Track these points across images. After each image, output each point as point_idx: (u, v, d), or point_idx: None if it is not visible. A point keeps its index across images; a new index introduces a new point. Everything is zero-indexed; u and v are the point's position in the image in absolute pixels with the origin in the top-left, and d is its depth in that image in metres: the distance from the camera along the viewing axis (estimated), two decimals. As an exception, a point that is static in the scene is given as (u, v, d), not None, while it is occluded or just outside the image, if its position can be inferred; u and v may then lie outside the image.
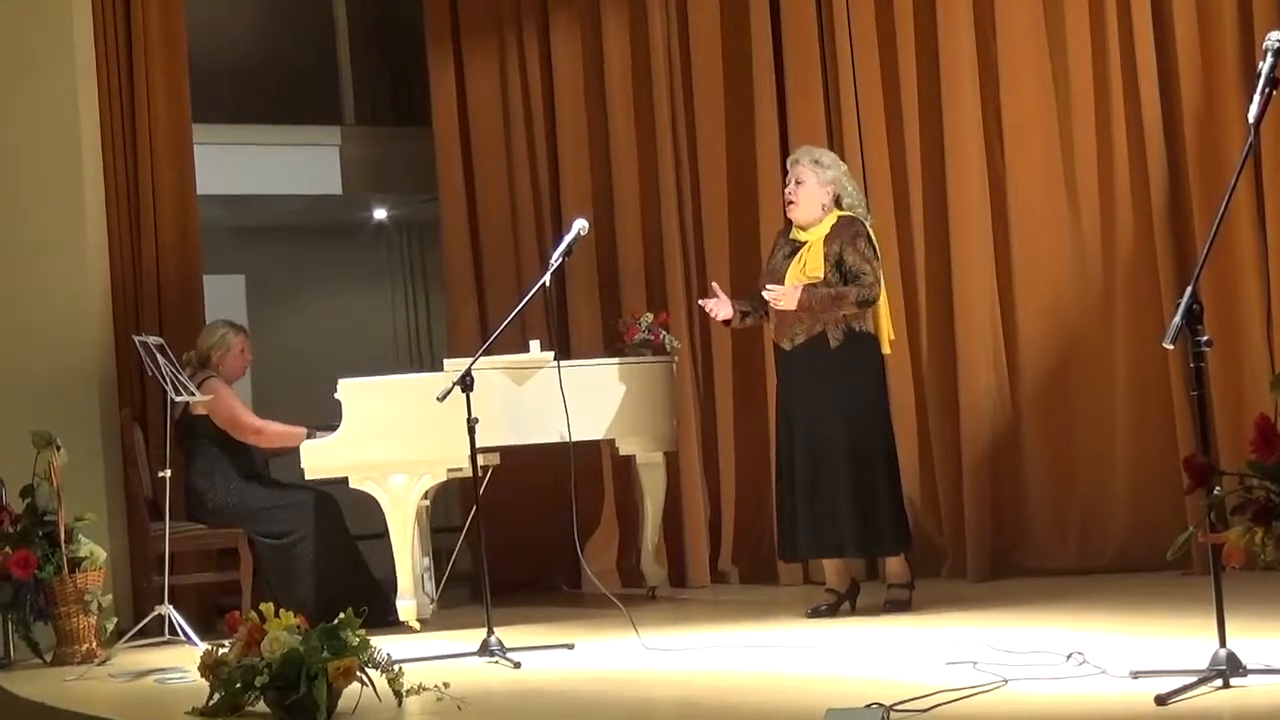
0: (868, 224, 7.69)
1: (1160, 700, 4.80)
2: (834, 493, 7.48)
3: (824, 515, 7.50)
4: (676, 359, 8.94)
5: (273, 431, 8.44)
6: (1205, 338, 5.09)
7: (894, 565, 7.73)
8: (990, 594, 8.00)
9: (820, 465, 7.50)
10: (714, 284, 8.06)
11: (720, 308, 7.79)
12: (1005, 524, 8.69)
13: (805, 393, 7.56)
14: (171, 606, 7.58)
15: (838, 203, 7.65)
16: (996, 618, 7.07)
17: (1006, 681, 5.35)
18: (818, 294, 7.48)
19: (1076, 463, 8.59)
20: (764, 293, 7.55)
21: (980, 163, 8.73)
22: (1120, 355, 8.46)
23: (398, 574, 8.02)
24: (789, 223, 7.80)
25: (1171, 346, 5.12)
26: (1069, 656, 5.63)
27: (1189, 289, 5.06)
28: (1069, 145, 8.58)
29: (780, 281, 7.57)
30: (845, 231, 7.57)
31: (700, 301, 8.03)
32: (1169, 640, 6.04)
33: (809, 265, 7.54)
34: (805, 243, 7.61)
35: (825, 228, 7.60)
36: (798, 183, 7.65)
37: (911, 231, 8.85)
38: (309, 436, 8.22)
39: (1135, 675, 5.22)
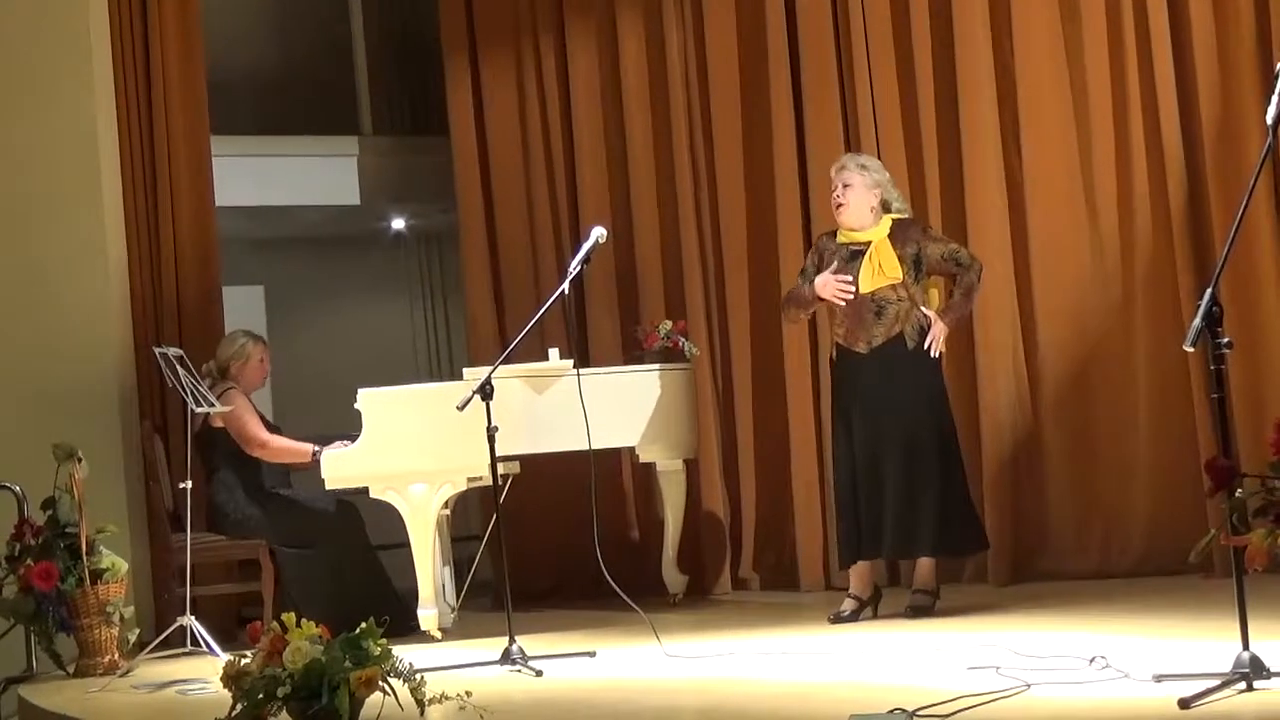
0: None
1: (1183, 704, 4.78)
2: (925, 491, 7.47)
3: (912, 515, 7.48)
4: (695, 366, 8.94)
5: (277, 446, 8.42)
6: (1225, 340, 5.07)
7: (925, 571, 7.70)
8: (1012, 598, 7.99)
9: (909, 464, 7.48)
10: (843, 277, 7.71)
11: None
12: (1027, 528, 8.67)
13: (884, 394, 7.52)
14: (193, 617, 7.58)
15: (886, 208, 7.67)
16: (1019, 622, 7.06)
17: (1029, 686, 5.35)
18: (956, 308, 7.64)
19: (1097, 466, 8.57)
20: (934, 351, 7.52)
21: (998, 169, 8.71)
22: (1140, 359, 8.45)
23: (419, 583, 8.03)
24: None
25: (1192, 349, 5.11)
26: (1091, 660, 5.63)
27: (1209, 291, 5.05)
28: (1087, 149, 8.57)
29: (855, 289, 7.55)
30: (912, 230, 7.64)
31: (841, 283, 7.63)
32: (1192, 643, 6.02)
33: (885, 266, 7.53)
34: (866, 243, 7.60)
35: (884, 229, 7.61)
36: (845, 186, 7.64)
37: (930, 238, 8.83)
38: (315, 455, 8.22)
39: (1158, 679, 5.21)
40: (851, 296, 7.58)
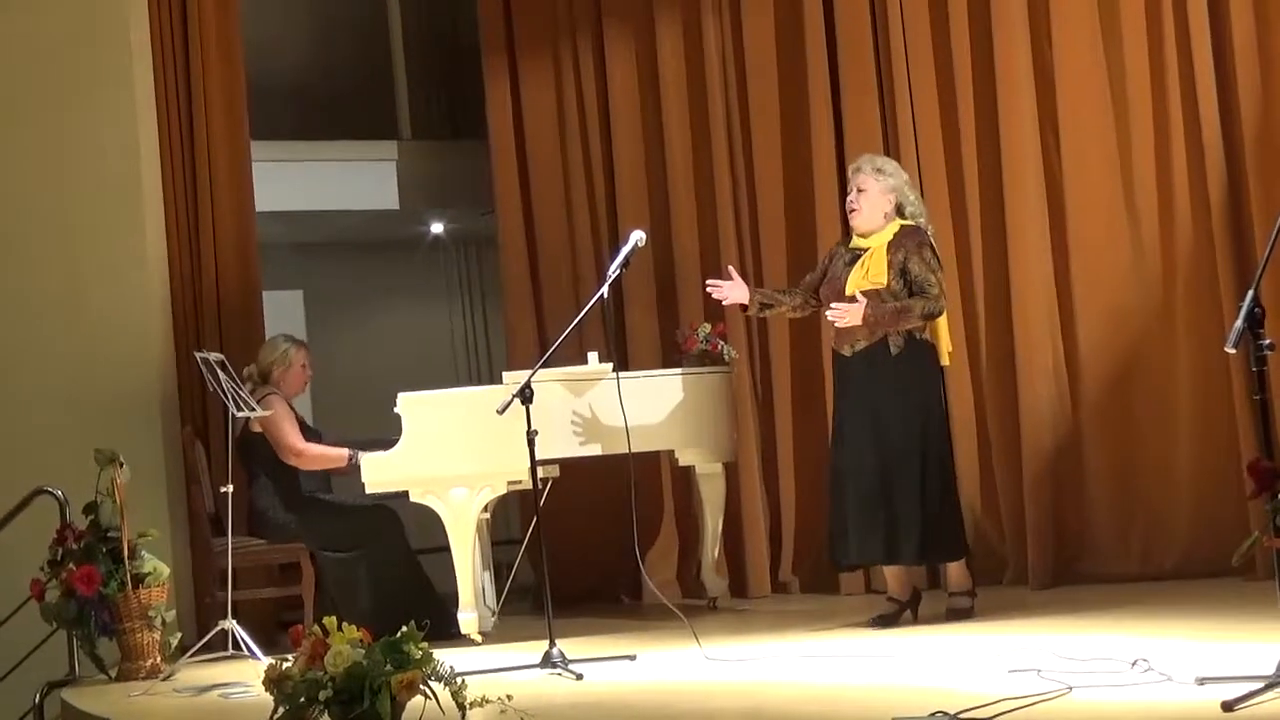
0: (930, 234, 7.68)
1: (1227, 706, 4.76)
2: (894, 499, 7.46)
3: (883, 521, 7.47)
4: (734, 369, 8.94)
5: (313, 454, 8.43)
6: (1268, 341, 5.06)
7: (955, 574, 7.70)
8: (1053, 601, 7.97)
9: (882, 471, 7.47)
10: (730, 267, 8.04)
11: (733, 291, 7.77)
12: (1067, 531, 8.64)
13: (865, 399, 7.53)
14: (235, 621, 7.61)
15: (900, 212, 7.64)
16: (1059, 625, 7.04)
17: (1071, 689, 5.33)
18: (883, 308, 7.44)
19: (1138, 468, 8.54)
20: (828, 313, 7.49)
21: (1037, 168, 8.69)
22: (1181, 360, 8.41)
23: (459, 587, 8.04)
24: (846, 233, 7.79)
25: (1233, 350, 5.09)
26: (1134, 663, 5.61)
27: (1250, 292, 5.04)
28: (1126, 150, 8.54)
29: (841, 290, 7.55)
30: (909, 240, 7.55)
31: (709, 283, 7.95)
32: (1235, 646, 5.99)
33: (872, 271, 7.51)
34: (867, 249, 7.59)
35: (888, 235, 7.58)
36: (860, 190, 7.63)
37: (969, 239, 8.81)
38: (352, 459, 8.24)
39: (1201, 682, 5.19)
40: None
